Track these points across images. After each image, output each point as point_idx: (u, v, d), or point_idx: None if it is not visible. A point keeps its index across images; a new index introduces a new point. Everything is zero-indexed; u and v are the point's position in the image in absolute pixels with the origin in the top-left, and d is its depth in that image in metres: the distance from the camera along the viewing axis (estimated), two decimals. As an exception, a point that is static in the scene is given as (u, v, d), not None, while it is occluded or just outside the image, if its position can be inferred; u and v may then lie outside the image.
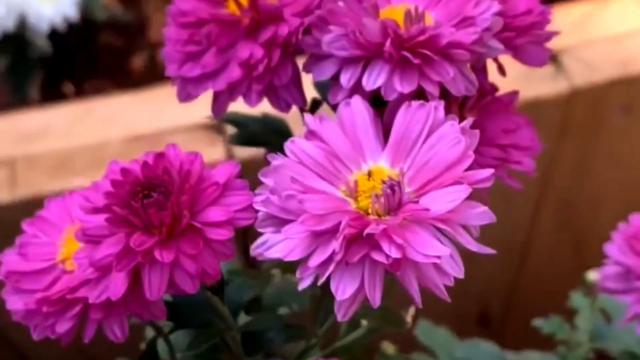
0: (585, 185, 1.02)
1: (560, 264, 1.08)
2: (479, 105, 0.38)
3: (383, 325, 0.41)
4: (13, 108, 1.10)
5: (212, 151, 0.93)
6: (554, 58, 0.88)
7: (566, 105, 0.92)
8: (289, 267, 0.48)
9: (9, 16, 0.99)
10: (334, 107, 0.36)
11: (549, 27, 0.40)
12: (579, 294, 0.59)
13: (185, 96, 0.39)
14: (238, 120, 0.44)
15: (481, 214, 0.33)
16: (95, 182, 0.38)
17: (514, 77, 0.43)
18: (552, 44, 0.40)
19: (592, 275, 0.57)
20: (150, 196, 0.34)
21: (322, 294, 0.44)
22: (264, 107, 0.41)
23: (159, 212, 0.34)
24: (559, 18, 1.00)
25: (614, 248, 0.48)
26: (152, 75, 1.16)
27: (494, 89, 0.40)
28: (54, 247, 0.38)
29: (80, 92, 1.13)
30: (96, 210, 0.35)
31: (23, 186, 0.91)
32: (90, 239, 0.35)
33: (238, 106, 0.40)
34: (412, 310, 0.43)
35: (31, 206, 0.93)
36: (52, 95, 1.13)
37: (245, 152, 0.85)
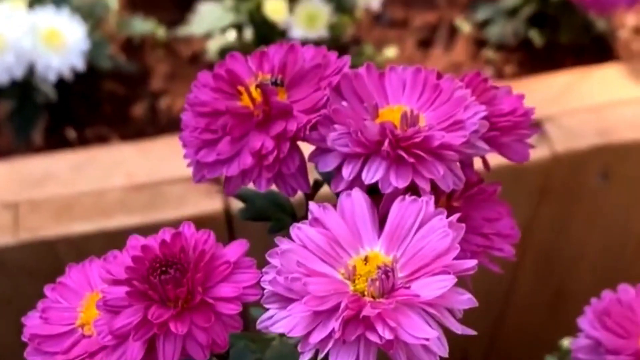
0: (564, 244, 1.06)
1: (539, 318, 1.12)
2: (465, 196, 0.42)
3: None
4: (17, 152, 1.14)
5: (210, 203, 0.97)
6: (537, 125, 0.93)
7: (547, 170, 0.97)
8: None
9: (19, 65, 1.03)
10: (336, 193, 0.41)
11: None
12: (554, 359, 0.63)
13: (200, 178, 0.43)
14: (246, 196, 0.48)
15: (466, 300, 0.37)
16: (114, 254, 0.42)
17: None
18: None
19: (567, 342, 0.60)
20: (168, 272, 0.38)
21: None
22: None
23: (176, 288, 0.38)
24: (543, 87, 1.05)
25: (585, 322, 0.52)
26: (153, 124, 1.20)
27: (480, 179, 0.44)
28: (74, 312, 0.42)
29: (83, 138, 1.16)
30: (117, 283, 0.39)
31: (26, 230, 0.95)
32: (110, 309, 0.39)
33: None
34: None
35: (33, 249, 0.96)
36: (55, 140, 1.16)
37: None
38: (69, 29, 1.04)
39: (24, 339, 0.41)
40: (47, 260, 0.98)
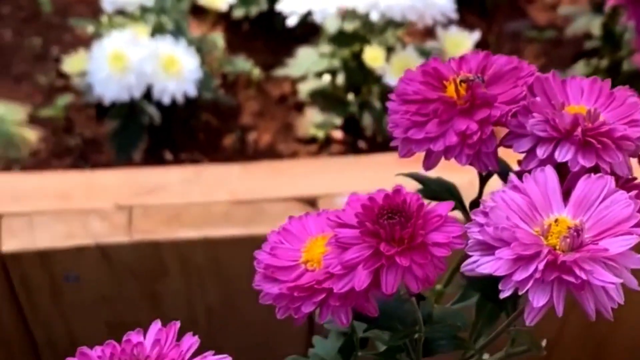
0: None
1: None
2: (625, 187, 0.51)
3: (528, 347, 0.53)
4: (117, 167, 1.23)
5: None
6: None
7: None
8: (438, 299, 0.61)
9: (138, 86, 1.13)
10: (518, 173, 0.49)
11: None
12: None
13: (407, 152, 0.52)
14: (421, 179, 0.57)
15: (637, 261, 0.45)
16: (336, 211, 0.50)
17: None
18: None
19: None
20: (394, 218, 0.47)
21: (476, 319, 0.56)
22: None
23: (402, 230, 0.46)
24: None
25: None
26: (241, 154, 1.30)
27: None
28: (297, 252, 0.50)
29: (178, 161, 1.26)
30: (346, 226, 0.48)
31: (138, 232, 1.03)
32: (341, 245, 0.47)
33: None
34: (544, 341, 0.54)
35: (142, 250, 1.05)
36: (153, 160, 1.26)
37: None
38: (185, 58, 1.15)
39: (259, 268, 0.50)
40: (151, 262, 1.06)
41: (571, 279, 0.44)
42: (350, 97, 1.23)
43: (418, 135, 0.51)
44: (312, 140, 1.28)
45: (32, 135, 1.29)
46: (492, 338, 0.53)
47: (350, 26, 1.17)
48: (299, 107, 1.33)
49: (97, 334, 1.12)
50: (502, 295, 0.45)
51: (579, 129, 0.48)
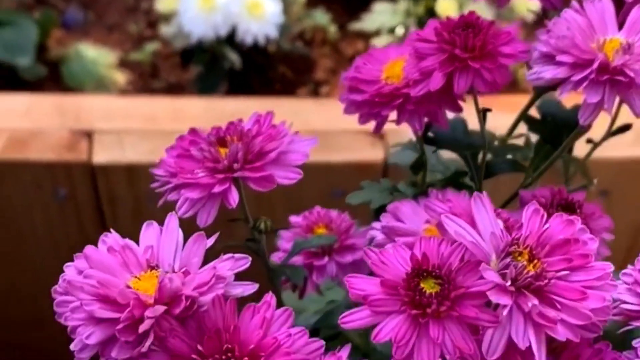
0: None
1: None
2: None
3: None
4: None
5: (373, 152, 1.13)
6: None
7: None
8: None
9: (225, 25, 1.22)
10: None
11: None
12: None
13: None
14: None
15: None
16: (416, 30, 0.57)
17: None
18: None
19: None
20: (467, 30, 0.54)
21: (534, 158, 0.62)
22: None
23: (474, 38, 0.53)
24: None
25: None
26: (313, 104, 1.38)
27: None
28: (378, 72, 0.58)
29: (255, 104, 1.34)
30: (424, 40, 0.55)
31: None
32: (420, 55, 0.54)
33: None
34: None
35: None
36: (231, 102, 1.34)
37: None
38: (268, 3, 1.24)
39: (344, 82, 0.57)
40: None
41: (621, 77, 0.50)
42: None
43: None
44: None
45: (120, 77, 1.39)
46: (548, 164, 0.59)
47: (424, -19, 1.25)
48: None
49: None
50: (560, 96, 0.52)
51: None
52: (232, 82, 1.35)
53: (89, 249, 0.43)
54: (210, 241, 0.44)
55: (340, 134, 1.15)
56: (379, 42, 1.35)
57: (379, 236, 0.56)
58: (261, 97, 1.19)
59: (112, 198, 1.15)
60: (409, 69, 0.55)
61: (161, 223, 0.45)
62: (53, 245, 1.17)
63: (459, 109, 0.56)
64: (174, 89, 1.38)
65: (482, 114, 0.57)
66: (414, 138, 0.59)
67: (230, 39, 1.29)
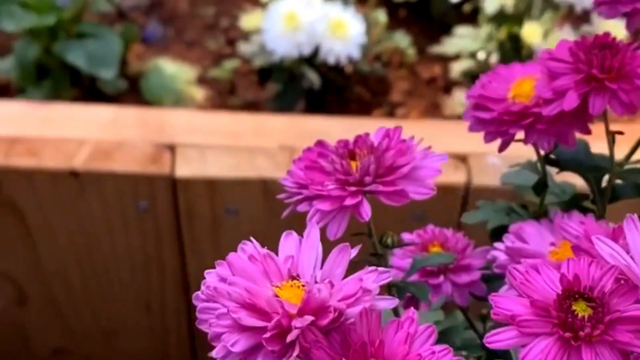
0: None
1: None
2: None
3: None
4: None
5: (455, 175, 1.12)
6: None
7: None
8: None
9: (308, 44, 1.22)
10: None
11: None
12: None
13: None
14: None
15: None
16: (547, 49, 0.56)
17: None
18: None
19: None
20: (604, 52, 0.53)
21: None
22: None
23: (612, 59, 0.52)
24: None
25: None
26: (390, 126, 1.37)
27: None
28: (504, 90, 0.57)
29: (332, 125, 1.34)
30: (557, 60, 0.54)
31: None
32: (552, 74, 0.53)
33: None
34: None
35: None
36: (308, 121, 1.35)
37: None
38: (352, 23, 1.24)
39: (469, 99, 0.56)
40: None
41: None
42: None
43: None
44: (459, 118, 1.34)
45: (199, 93, 1.40)
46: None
47: (509, 6, 1.24)
48: (448, 89, 1.39)
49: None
50: None
51: None
52: (308, 101, 1.35)
53: (232, 256, 0.43)
54: (354, 252, 0.43)
55: (423, 156, 1.14)
56: (458, 66, 1.34)
57: (502, 257, 0.55)
58: (341, 116, 1.18)
59: (190, 212, 1.16)
60: (541, 87, 0.54)
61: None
62: (128, 256, 1.18)
63: (588, 131, 0.55)
64: (250, 107, 1.38)
65: (612, 136, 0.56)
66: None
67: (309, 59, 1.29)
